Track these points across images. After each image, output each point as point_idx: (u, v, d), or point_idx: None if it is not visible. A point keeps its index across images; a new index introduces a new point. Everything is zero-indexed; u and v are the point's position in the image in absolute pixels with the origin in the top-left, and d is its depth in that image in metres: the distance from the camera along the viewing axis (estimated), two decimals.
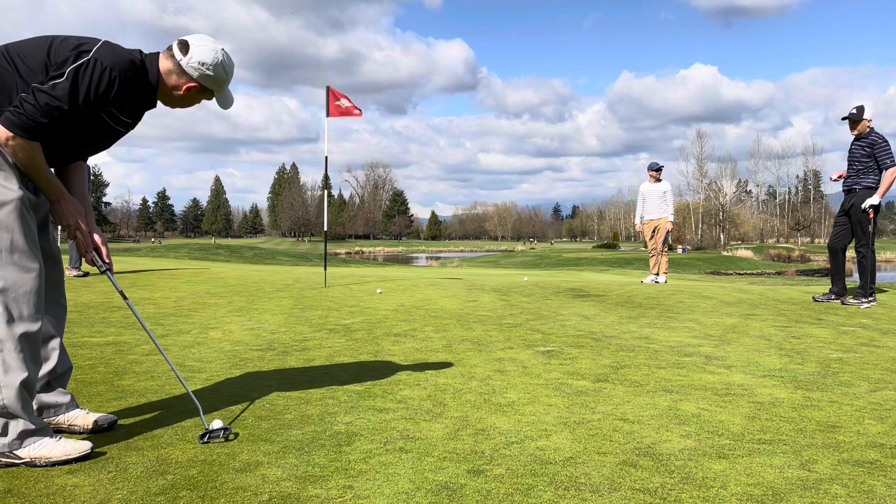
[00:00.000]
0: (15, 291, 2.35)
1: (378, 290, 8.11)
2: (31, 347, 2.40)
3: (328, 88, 8.67)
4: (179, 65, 2.55)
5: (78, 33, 2.64)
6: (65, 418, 2.70)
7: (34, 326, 2.40)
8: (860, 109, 7.23)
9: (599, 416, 3.02)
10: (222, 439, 2.64)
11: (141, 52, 2.58)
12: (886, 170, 7.10)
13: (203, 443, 2.60)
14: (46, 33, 2.55)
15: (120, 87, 2.43)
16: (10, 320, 2.35)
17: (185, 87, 2.59)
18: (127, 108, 2.54)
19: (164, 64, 2.57)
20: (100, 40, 2.46)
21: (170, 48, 2.58)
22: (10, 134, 2.28)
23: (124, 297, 2.77)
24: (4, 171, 2.36)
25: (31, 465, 2.34)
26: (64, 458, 2.36)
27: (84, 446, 2.40)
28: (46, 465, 2.34)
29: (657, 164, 11.39)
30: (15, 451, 2.35)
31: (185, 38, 2.59)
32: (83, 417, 2.71)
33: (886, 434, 2.81)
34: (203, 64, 2.55)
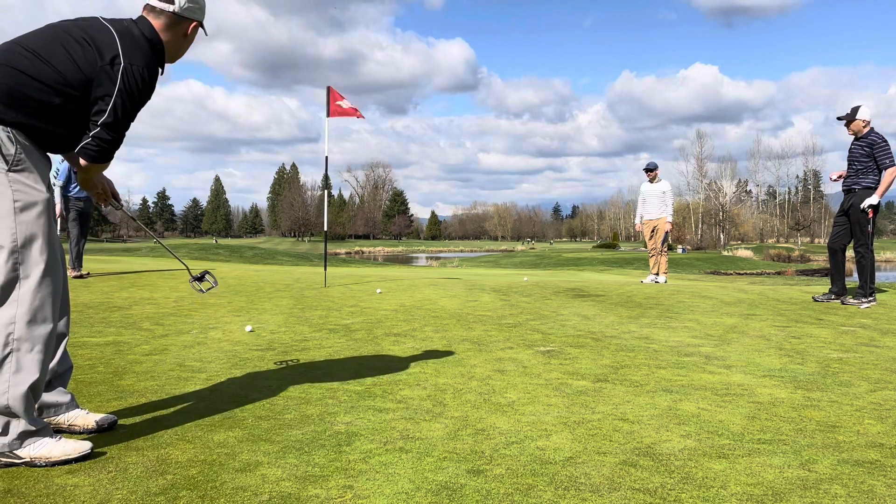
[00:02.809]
0: (41, 292, 2.38)
1: (378, 290, 8.11)
2: (45, 349, 2.41)
3: (328, 89, 8.67)
4: (173, 14, 2.66)
5: None
6: (65, 418, 2.70)
7: (51, 328, 2.42)
8: (854, 110, 7.26)
9: (599, 416, 3.02)
10: (211, 284, 2.99)
11: (134, 23, 2.64)
12: (885, 170, 7.11)
13: (195, 285, 3.03)
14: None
15: (154, 75, 2.60)
16: (32, 321, 2.37)
17: (190, 29, 2.73)
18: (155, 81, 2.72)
19: (157, 24, 2.67)
20: (112, 33, 2.52)
21: (150, 9, 2.66)
22: (94, 164, 2.58)
23: (134, 219, 2.98)
24: (33, 173, 2.41)
25: (30, 465, 2.34)
26: (64, 458, 2.36)
27: (84, 446, 2.41)
28: (46, 465, 2.34)
29: (651, 163, 11.40)
30: (15, 451, 2.35)
31: None
32: (83, 417, 2.71)
33: (886, 434, 2.81)
34: (194, 1, 2.70)
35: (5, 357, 2.33)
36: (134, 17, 2.69)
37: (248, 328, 5.23)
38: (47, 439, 2.40)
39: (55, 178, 8.74)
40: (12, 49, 2.43)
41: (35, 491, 2.14)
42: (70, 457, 2.37)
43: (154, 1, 2.64)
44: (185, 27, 2.71)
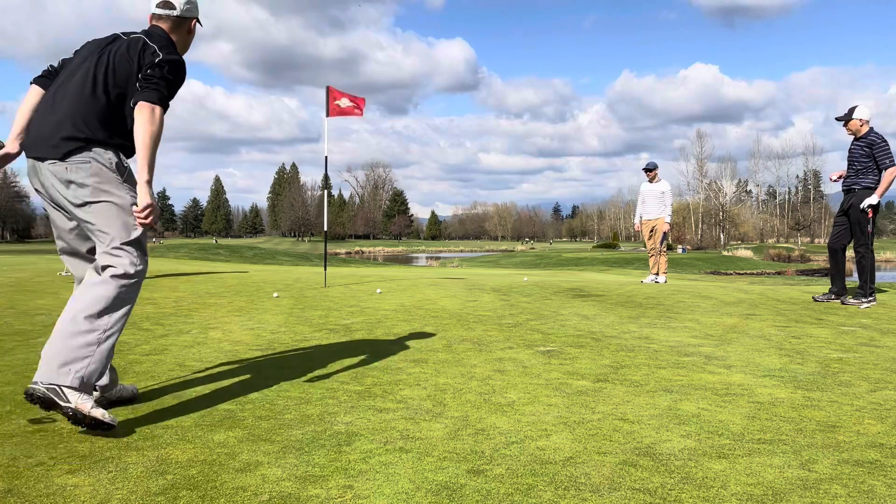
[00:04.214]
0: (140, 286, 2.78)
1: (378, 290, 8.12)
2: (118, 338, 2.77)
3: (328, 88, 8.67)
4: (177, 17, 3.00)
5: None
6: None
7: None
8: (851, 110, 7.27)
9: (599, 416, 3.02)
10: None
11: (150, 32, 2.94)
12: (885, 170, 7.11)
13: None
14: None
15: (184, 64, 2.90)
16: (128, 313, 2.76)
17: (191, 27, 3.07)
18: None
19: (165, 28, 2.99)
20: (140, 39, 2.86)
21: (157, 17, 2.98)
22: (158, 107, 2.70)
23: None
24: (129, 184, 2.81)
25: (69, 413, 2.52)
26: (100, 417, 2.55)
27: (112, 417, 2.62)
28: (81, 420, 2.53)
29: (651, 163, 11.40)
30: (66, 391, 2.53)
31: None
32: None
33: (886, 434, 2.81)
34: (189, 2, 3.02)
35: (108, 338, 2.70)
36: (144, 29, 3.01)
37: (275, 294, 6.41)
38: (93, 400, 2.62)
39: None
40: (84, 84, 2.76)
41: (35, 491, 2.14)
42: (104, 419, 2.56)
43: (158, 10, 2.98)
44: (187, 25, 3.06)
